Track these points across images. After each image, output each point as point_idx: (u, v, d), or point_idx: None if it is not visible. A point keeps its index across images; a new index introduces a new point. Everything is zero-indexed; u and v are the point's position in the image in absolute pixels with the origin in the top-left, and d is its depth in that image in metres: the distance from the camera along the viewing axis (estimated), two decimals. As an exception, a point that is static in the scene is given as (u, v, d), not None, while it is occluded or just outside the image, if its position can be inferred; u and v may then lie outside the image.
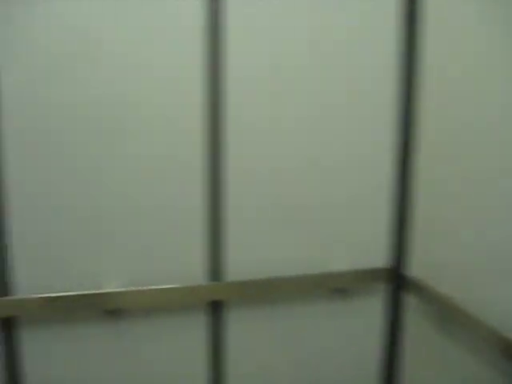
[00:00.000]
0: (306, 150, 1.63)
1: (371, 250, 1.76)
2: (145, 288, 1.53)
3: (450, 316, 1.54)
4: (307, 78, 1.59)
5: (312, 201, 1.66)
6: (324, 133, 1.64)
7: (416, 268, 1.73)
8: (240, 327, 1.66)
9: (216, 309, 1.63)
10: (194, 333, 1.63)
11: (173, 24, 1.46)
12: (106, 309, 1.54)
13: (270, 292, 1.65)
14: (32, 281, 1.47)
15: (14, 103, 1.38)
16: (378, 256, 1.76)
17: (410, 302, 1.77)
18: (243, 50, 1.52)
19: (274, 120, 1.59)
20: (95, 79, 1.43)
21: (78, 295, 1.48)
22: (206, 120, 1.53)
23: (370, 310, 1.81)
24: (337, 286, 1.73)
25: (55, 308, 1.47)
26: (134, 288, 1.52)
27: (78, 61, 1.40)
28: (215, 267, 1.61)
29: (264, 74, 1.55)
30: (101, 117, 1.46)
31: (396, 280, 1.78)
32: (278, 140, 1.60)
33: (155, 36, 1.45)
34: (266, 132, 1.59)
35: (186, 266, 1.58)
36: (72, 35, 1.39)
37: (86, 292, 1.49)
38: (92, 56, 1.41)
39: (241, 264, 1.62)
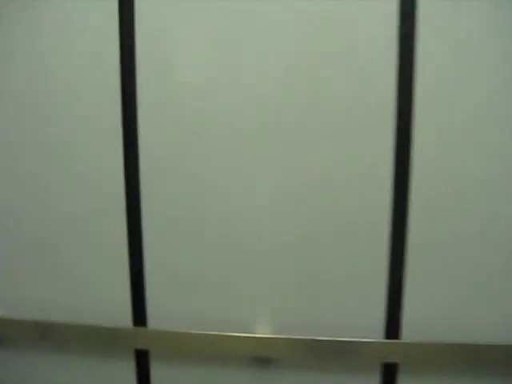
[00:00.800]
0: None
1: None
2: (300, 337, 1.25)
3: None
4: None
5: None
6: None
7: None
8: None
9: (389, 371, 1.28)
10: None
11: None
12: (255, 355, 1.29)
13: (460, 360, 1.24)
14: (171, 316, 1.31)
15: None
16: None
17: None
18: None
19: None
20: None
21: (225, 336, 1.26)
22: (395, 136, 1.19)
23: None
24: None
25: (195, 346, 1.28)
26: (289, 336, 1.25)
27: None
28: (392, 323, 1.25)
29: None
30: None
31: None
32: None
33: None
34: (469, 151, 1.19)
35: (359, 320, 1.25)
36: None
37: (234, 334, 1.27)
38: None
39: (426, 322, 1.24)
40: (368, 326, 1.25)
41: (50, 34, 1.25)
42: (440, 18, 1.14)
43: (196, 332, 1.27)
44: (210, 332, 1.26)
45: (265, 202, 1.25)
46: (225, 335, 1.26)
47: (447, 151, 1.18)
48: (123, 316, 1.33)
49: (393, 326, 1.25)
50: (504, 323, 1.23)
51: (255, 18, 1.18)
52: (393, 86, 1.16)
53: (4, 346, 1.43)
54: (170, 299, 1.31)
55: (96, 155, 1.29)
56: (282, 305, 1.28)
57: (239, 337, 1.26)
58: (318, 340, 1.23)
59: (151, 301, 1.32)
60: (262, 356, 1.29)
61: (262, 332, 1.28)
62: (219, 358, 1.31)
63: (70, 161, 1.31)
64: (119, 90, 1.24)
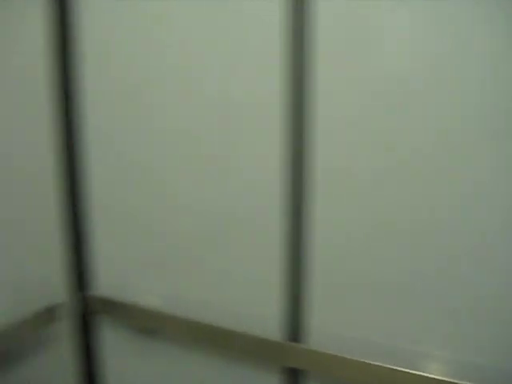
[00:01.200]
0: None
1: None
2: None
3: None
4: None
5: None
6: None
7: None
8: None
9: None
10: None
11: None
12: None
13: None
14: (333, 337, 1.19)
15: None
16: None
17: None
18: None
19: None
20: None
21: (390, 370, 1.12)
22: None
23: None
24: None
25: (355, 374, 1.15)
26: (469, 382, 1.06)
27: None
28: None
29: None
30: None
31: None
32: None
33: None
34: None
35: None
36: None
37: (400, 368, 1.11)
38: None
39: None
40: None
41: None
42: None
43: (357, 359, 1.14)
44: (374, 362, 1.12)
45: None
46: (390, 368, 1.11)
47: None
48: (277, 328, 1.26)
49: None
50: None
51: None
52: None
53: (156, 339, 1.46)
54: (335, 317, 1.19)
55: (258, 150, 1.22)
56: (465, 340, 1.09)
57: (407, 373, 1.11)
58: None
59: (312, 316, 1.22)
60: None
61: (434, 372, 1.11)
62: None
63: (233, 157, 1.27)
64: (289, 76, 1.14)
